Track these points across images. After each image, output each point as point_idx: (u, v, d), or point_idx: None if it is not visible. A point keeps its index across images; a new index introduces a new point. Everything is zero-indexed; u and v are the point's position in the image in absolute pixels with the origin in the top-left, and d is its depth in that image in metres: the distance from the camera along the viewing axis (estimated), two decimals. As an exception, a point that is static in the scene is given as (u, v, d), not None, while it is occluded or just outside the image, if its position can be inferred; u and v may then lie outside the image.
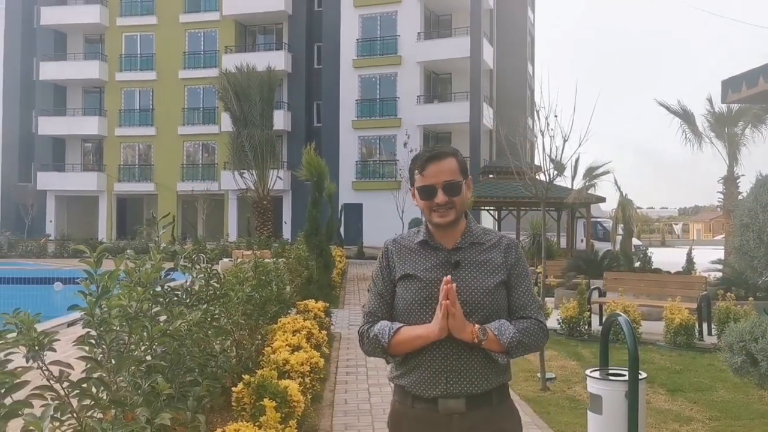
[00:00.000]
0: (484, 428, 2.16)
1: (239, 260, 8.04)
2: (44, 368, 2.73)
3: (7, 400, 2.25)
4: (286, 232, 34.92)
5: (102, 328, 2.88)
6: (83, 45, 41.72)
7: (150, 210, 39.92)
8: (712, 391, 6.87)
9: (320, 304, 8.96)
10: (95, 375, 2.87)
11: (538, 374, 7.10)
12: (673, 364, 8.17)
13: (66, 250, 30.05)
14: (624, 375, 3.72)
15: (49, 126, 39.86)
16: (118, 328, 3.02)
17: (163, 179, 39.06)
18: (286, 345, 5.84)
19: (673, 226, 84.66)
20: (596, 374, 3.81)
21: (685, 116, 17.23)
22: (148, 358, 3.35)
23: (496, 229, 25.71)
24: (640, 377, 3.62)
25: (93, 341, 2.88)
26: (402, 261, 2.26)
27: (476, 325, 2.11)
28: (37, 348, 2.72)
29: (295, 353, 5.53)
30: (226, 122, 32.22)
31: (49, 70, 39.81)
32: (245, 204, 32.96)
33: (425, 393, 2.17)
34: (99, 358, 2.94)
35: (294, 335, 6.29)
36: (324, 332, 7.69)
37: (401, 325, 2.19)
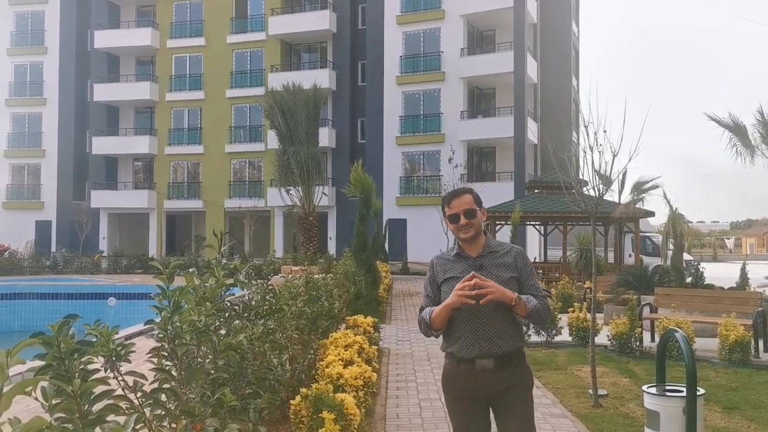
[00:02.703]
0: (505, 382, 3.13)
1: (290, 276, 8.20)
2: (120, 378, 2.88)
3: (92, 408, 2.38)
4: (331, 248, 35.18)
5: (176, 342, 3.02)
6: (135, 67, 43.03)
7: (197, 227, 40.74)
8: (771, 409, 6.72)
9: (369, 319, 9.05)
10: (167, 386, 3.01)
11: (590, 390, 7.05)
12: (729, 381, 8.01)
13: (119, 266, 30.83)
14: (681, 391, 3.71)
15: (102, 145, 41.10)
16: (188, 342, 3.16)
17: (211, 196, 39.84)
18: (339, 359, 5.94)
19: (725, 240, 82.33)
20: (653, 390, 3.81)
21: (737, 129, 16.82)
22: (212, 371, 3.48)
23: (543, 243, 25.57)
24: (698, 393, 3.60)
25: (166, 354, 3.03)
26: (443, 269, 3.28)
27: (515, 293, 3.07)
28: (114, 359, 2.86)
29: (349, 367, 5.63)
30: (272, 140, 32.74)
31: (103, 92, 41.12)
32: (291, 220, 33.36)
33: (466, 355, 3.14)
34: (171, 370, 3.09)
35: (346, 350, 6.40)
36: (374, 347, 7.78)
37: (435, 307, 3.19)
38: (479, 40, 36.77)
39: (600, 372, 7.85)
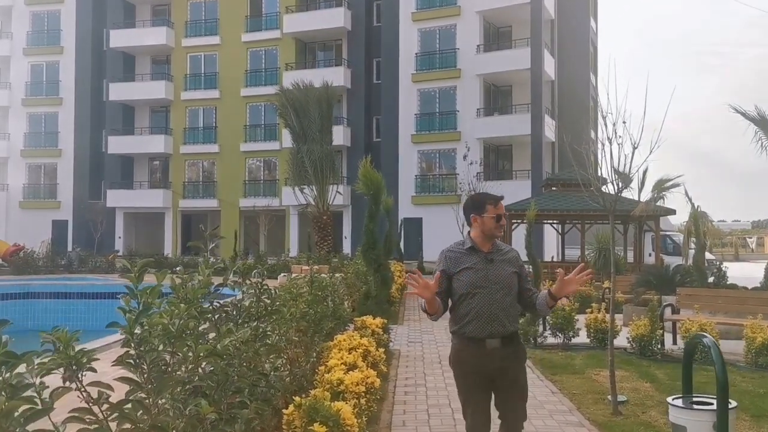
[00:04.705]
0: (508, 358, 3.74)
1: (294, 275, 7.90)
2: (82, 390, 2.57)
3: (32, 427, 2.09)
4: (346, 247, 34.91)
5: (142, 348, 2.71)
6: (150, 66, 43.02)
7: (212, 225, 40.61)
8: (803, 417, 6.30)
9: (378, 320, 8.70)
10: (134, 397, 2.71)
11: (608, 396, 6.67)
12: (756, 386, 7.59)
13: (133, 266, 30.75)
14: (711, 403, 3.33)
15: (118, 145, 41.14)
16: (160, 348, 2.85)
17: (226, 195, 39.74)
18: (341, 363, 5.61)
19: (747, 239, 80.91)
20: (679, 402, 3.43)
21: (762, 122, 16.27)
22: (196, 378, 3.17)
23: (560, 243, 25.16)
24: (730, 406, 3.23)
25: (132, 361, 2.72)
26: (456, 262, 3.81)
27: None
28: (74, 368, 2.55)
29: (350, 372, 5.30)
30: (286, 138, 32.54)
31: (118, 91, 41.15)
32: (306, 219, 33.15)
33: (478, 335, 3.71)
34: (140, 379, 2.78)
35: (350, 353, 6.06)
36: (382, 350, 7.43)
37: None
38: (496, 36, 36.30)
39: (619, 376, 7.46)
